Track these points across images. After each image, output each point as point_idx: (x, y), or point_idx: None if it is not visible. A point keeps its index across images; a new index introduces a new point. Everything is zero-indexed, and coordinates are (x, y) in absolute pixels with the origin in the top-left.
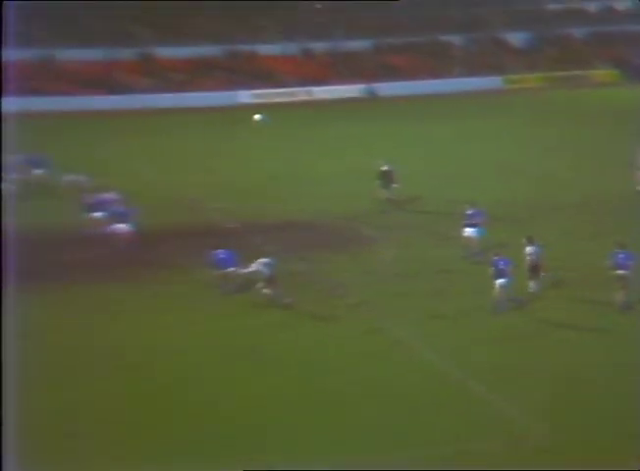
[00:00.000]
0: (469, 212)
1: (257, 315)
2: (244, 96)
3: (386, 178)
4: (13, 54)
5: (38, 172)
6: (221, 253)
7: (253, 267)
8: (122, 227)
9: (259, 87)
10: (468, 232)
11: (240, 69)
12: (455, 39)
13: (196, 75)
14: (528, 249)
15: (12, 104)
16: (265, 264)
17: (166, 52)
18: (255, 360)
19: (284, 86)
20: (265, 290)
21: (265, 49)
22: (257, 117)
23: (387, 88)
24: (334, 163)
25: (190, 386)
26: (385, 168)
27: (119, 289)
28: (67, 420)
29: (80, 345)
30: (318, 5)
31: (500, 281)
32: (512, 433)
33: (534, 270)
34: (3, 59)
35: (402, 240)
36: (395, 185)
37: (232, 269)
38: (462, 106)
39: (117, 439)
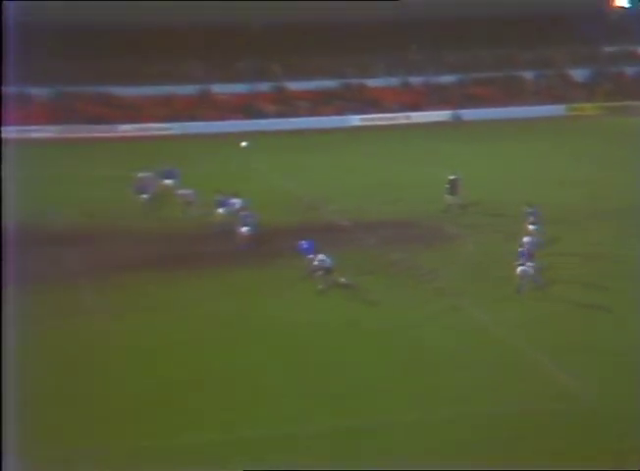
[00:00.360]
0: (529, 210)
1: (361, 296)
2: (355, 120)
3: (453, 185)
4: (179, 89)
5: (168, 182)
6: (304, 244)
7: (320, 257)
8: (245, 230)
9: (367, 113)
10: (530, 228)
11: (353, 98)
12: (528, 74)
13: (318, 103)
14: (525, 239)
15: (178, 129)
16: (325, 258)
17: (295, 85)
18: (356, 332)
19: (387, 112)
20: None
21: (372, 82)
22: (244, 144)
23: (470, 114)
24: (426, 173)
25: (310, 352)
26: (452, 177)
27: (249, 273)
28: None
29: (215, 314)
30: (414, 46)
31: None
32: (568, 396)
33: (529, 256)
34: None
35: (478, 237)
36: (458, 192)
37: (310, 256)
38: (532, 129)
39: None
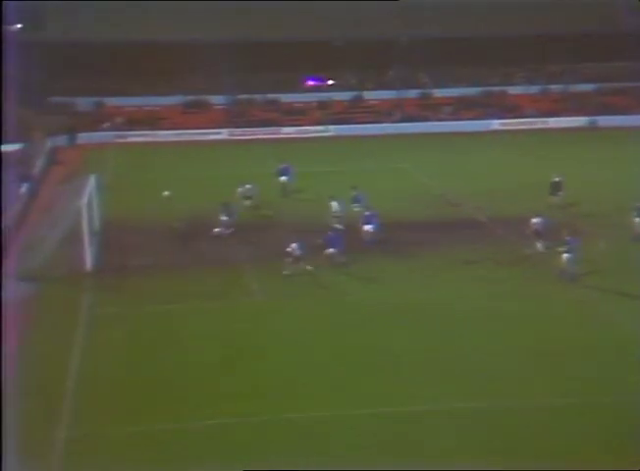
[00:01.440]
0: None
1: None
2: (495, 125)
3: (555, 187)
4: (336, 95)
5: (283, 179)
6: (332, 235)
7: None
8: (369, 227)
9: (507, 118)
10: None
11: (493, 104)
12: None
13: (460, 108)
14: (534, 220)
15: (334, 131)
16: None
17: (440, 92)
18: (497, 319)
19: (525, 117)
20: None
21: (512, 90)
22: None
23: (605, 121)
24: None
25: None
26: (556, 179)
27: (387, 261)
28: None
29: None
30: (553, 57)
31: (566, 255)
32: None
33: (537, 235)
34: None
35: (607, 235)
36: (560, 193)
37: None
38: None
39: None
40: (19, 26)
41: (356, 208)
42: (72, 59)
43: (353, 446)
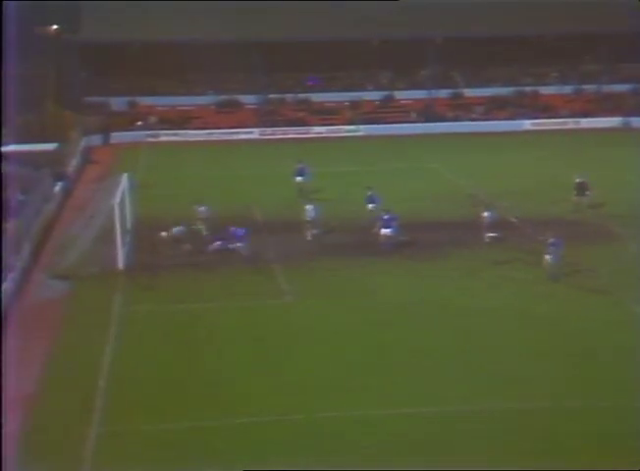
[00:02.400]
0: None
1: (528, 287)
2: (527, 125)
3: (580, 187)
4: (367, 95)
5: (300, 179)
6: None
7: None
8: (386, 231)
9: (539, 118)
10: None
11: (526, 104)
12: None
13: (492, 108)
14: (484, 214)
15: (364, 130)
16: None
17: (471, 92)
18: (524, 320)
19: (557, 117)
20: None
21: (545, 89)
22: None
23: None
24: (593, 176)
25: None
26: (579, 180)
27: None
28: None
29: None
30: (587, 57)
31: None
32: None
33: (487, 228)
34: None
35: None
36: (586, 193)
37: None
38: None
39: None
40: (54, 27)
41: (371, 208)
42: (106, 59)
43: (385, 447)
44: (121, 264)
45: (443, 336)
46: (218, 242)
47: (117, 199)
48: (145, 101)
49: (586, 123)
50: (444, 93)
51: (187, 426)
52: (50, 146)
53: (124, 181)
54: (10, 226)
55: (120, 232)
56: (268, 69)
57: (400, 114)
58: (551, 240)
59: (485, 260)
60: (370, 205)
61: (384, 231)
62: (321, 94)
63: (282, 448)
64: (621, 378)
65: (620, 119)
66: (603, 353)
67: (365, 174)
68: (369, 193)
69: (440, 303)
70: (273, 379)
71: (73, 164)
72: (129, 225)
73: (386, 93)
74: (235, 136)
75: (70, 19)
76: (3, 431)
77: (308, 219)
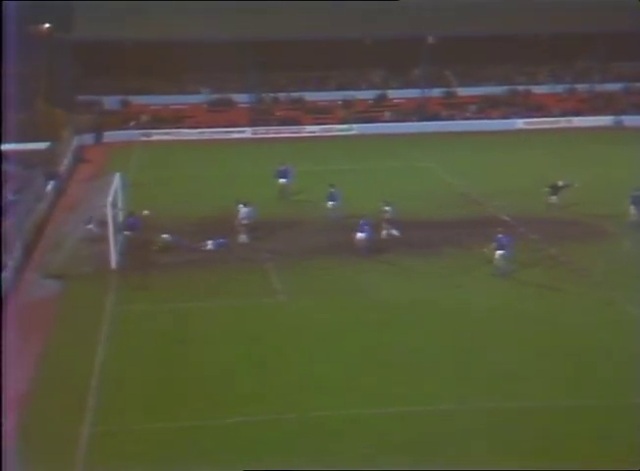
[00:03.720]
0: None
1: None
2: (520, 123)
3: (555, 189)
4: (360, 94)
5: (282, 181)
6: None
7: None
8: (361, 235)
9: (531, 117)
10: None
11: (518, 103)
12: None
13: (485, 107)
14: (385, 208)
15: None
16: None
17: (464, 91)
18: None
19: (550, 116)
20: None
21: (537, 89)
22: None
23: (632, 120)
24: (585, 174)
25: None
26: (561, 183)
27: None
28: None
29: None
30: (579, 56)
31: (500, 252)
32: None
33: (388, 222)
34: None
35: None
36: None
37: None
38: None
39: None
40: (46, 25)
41: (331, 206)
42: (98, 58)
43: (379, 446)
44: (113, 263)
45: (437, 334)
46: (209, 242)
47: (109, 198)
48: (138, 100)
49: (578, 121)
50: (437, 92)
51: (180, 425)
52: (42, 145)
53: (116, 180)
54: (2, 225)
55: (112, 231)
56: (261, 68)
57: (394, 113)
58: (499, 236)
59: (478, 259)
60: (330, 203)
61: (359, 235)
62: (314, 93)
63: (275, 448)
64: (616, 377)
65: (612, 117)
66: (598, 352)
67: (357, 172)
68: (331, 191)
69: (433, 302)
70: (266, 378)
71: (65, 163)
72: (121, 224)
73: (379, 92)
74: (227, 135)
75: (62, 17)
76: (3, 430)
77: (243, 221)
